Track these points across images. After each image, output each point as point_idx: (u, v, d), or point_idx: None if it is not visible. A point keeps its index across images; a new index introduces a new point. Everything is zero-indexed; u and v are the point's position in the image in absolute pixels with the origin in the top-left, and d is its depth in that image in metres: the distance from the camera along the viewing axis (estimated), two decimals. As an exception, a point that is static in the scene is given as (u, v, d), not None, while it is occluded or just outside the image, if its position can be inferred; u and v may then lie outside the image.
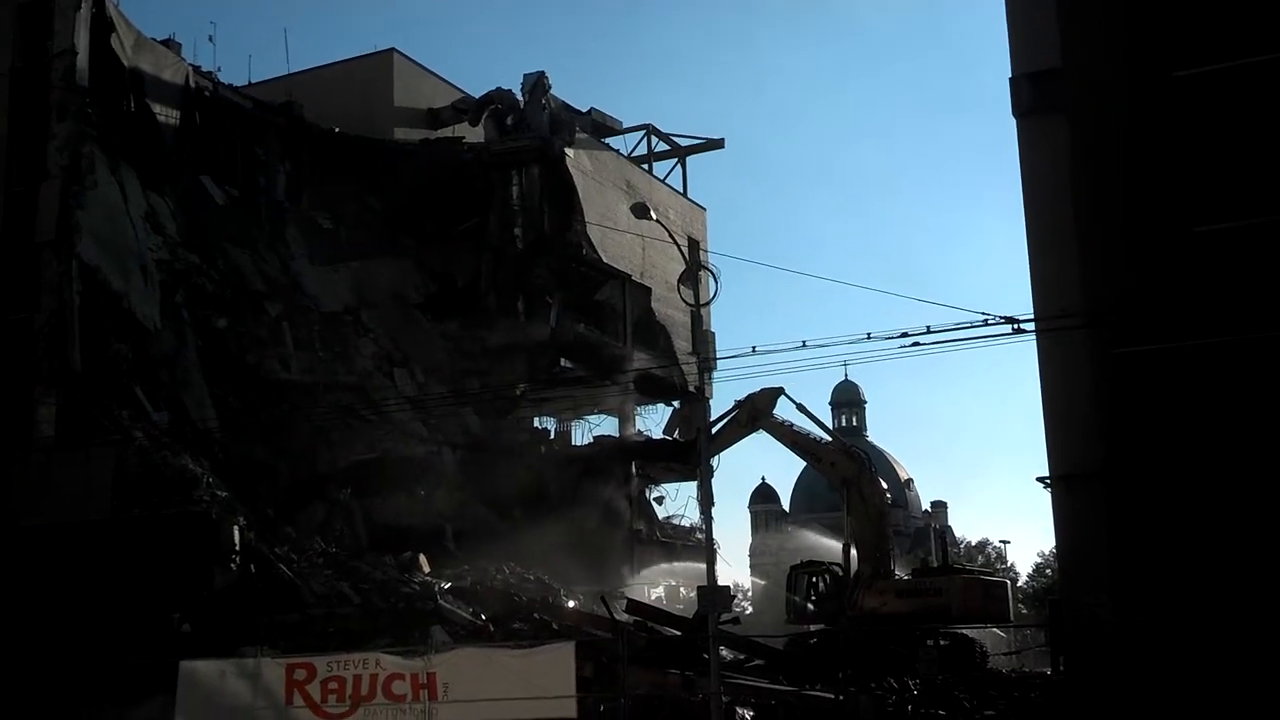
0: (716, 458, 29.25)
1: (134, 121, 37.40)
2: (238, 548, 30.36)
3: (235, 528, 30.52)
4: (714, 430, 31.83)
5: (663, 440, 46.36)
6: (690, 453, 33.78)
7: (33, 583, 30.67)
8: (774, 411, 34.03)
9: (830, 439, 36.02)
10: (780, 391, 33.67)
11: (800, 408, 34.43)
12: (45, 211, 33.69)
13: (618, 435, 48.34)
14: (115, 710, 26.34)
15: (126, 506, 30.95)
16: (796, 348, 22.85)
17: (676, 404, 48.06)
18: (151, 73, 38.21)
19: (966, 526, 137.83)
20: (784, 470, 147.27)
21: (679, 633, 29.57)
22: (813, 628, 33.50)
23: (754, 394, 33.28)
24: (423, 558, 34.63)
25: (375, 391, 40.03)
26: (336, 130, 44.81)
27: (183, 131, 39.10)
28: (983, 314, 21.82)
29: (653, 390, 48.39)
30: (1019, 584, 58.81)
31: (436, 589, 31.03)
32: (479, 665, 23.01)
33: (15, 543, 31.34)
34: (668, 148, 55.08)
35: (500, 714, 22.38)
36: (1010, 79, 26.20)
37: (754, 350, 23.33)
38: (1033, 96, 25.63)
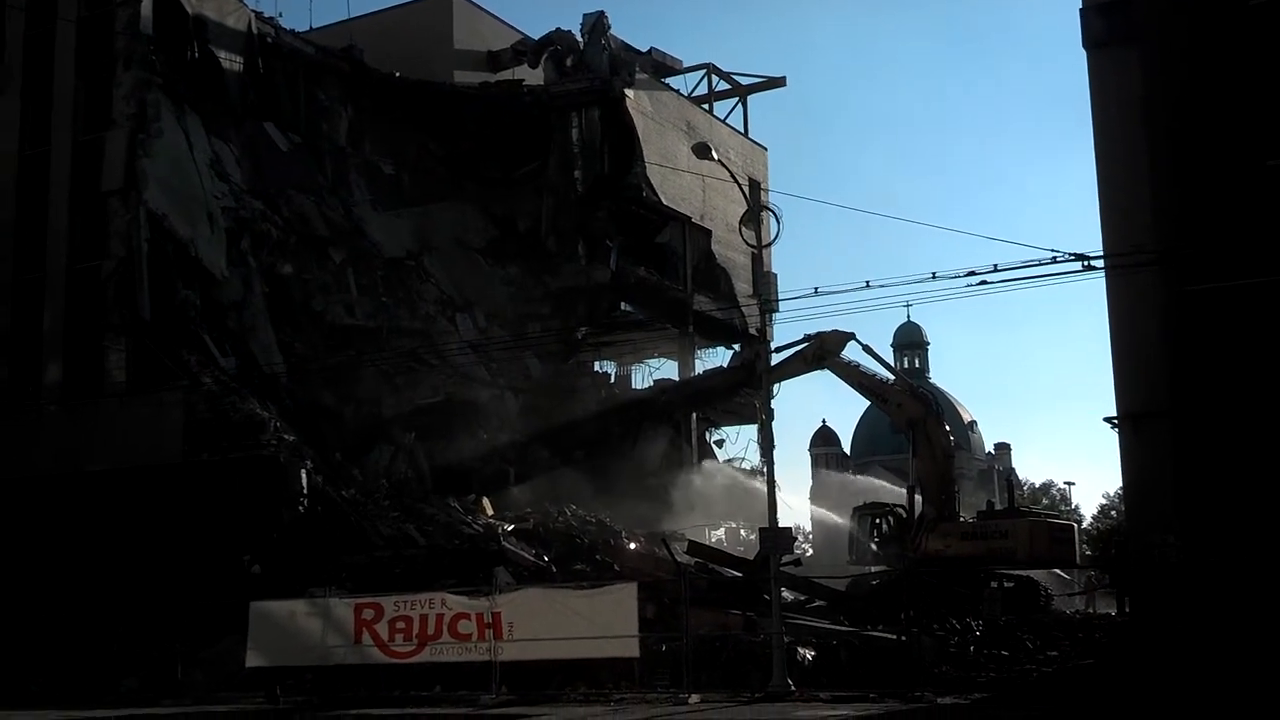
0: (776, 390, 29.08)
1: (198, 69, 37.58)
2: (305, 491, 30.85)
3: (303, 471, 31.02)
4: (779, 360, 31.68)
5: (723, 368, 46.02)
6: (753, 378, 33.69)
7: (106, 526, 31.40)
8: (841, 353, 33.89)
9: (896, 380, 35.79)
10: (851, 336, 33.53)
11: (867, 349, 34.23)
12: (112, 160, 34.09)
13: (678, 379, 48.30)
14: (187, 649, 26.97)
15: (196, 451, 31.53)
16: (860, 288, 22.72)
17: (737, 347, 47.89)
18: (214, 19, 38.34)
19: (1030, 468, 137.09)
20: (845, 413, 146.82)
21: (740, 574, 29.69)
22: (874, 569, 33.46)
23: (825, 333, 33.10)
24: (486, 500, 35.04)
25: (438, 336, 40.32)
26: (397, 75, 44.78)
27: (246, 78, 39.23)
28: (1052, 251, 21.52)
29: (713, 333, 48.28)
30: (1083, 525, 58.28)
31: (500, 531, 31.40)
32: (543, 605, 23.29)
33: (88, 487, 32.06)
34: (728, 87, 54.34)
35: (564, 653, 22.68)
36: (1080, 10, 25.63)
37: (816, 291, 23.24)
38: (1103, 28, 25.08)
